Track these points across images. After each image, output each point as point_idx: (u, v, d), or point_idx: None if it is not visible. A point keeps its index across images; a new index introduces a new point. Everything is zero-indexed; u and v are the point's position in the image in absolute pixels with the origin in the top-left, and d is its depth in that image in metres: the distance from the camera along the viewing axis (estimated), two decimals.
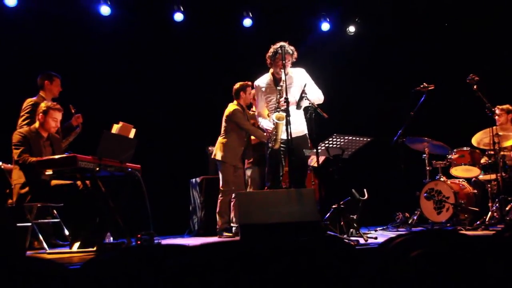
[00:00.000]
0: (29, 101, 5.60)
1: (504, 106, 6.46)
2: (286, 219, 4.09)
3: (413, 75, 7.64)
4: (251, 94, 6.16)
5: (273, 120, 4.81)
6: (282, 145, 4.90)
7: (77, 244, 4.70)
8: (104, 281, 1.77)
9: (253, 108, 6.24)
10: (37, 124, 5.06)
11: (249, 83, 6.25)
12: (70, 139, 5.91)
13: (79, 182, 4.88)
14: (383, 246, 2.13)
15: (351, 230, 5.26)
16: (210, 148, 7.21)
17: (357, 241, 4.64)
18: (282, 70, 4.78)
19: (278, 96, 4.81)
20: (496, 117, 6.33)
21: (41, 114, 5.05)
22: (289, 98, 4.66)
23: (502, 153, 5.92)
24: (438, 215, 6.25)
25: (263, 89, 5.07)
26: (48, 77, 5.89)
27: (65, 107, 5.89)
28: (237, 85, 6.32)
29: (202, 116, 7.99)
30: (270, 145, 4.92)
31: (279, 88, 4.83)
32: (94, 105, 6.90)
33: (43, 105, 5.10)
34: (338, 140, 4.80)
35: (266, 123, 5.03)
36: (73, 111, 5.89)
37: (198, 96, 8.04)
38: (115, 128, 5.22)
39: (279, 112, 4.77)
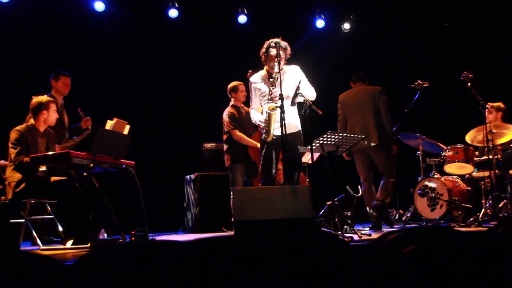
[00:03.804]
0: None
1: (495, 104, 6.47)
2: (281, 215, 4.10)
3: (407, 72, 7.67)
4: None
5: (266, 112, 4.79)
6: (275, 139, 4.87)
7: (71, 241, 4.69)
8: (98, 277, 1.77)
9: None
10: (32, 121, 5.02)
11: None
12: (77, 140, 5.82)
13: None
14: (376, 243, 2.14)
15: (345, 226, 5.28)
16: (205, 144, 7.21)
17: (351, 237, 4.65)
18: (276, 64, 4.78)
19: (271, 87, 4.81)
20: (486, 114, 6.32)
21: (43, 110, 5.00)
22: (282, 93, 4.66)
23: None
24: (432, 212, 6.27)
25: (257, 84, 5.07)
26: (54, 76, 5.90)
27: (73, 110, 5.89)
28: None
29: (196, 113, 7.98)
30: (262, 137, 4.90)
31: (271, 80, 4.84)
32: (88, 101, 6.87)
33: (41, 100, 5.03)
34: (333, 137, 4.81)
35: (257, 116, 5.01)
36: (81, 114, 5.86)
37: (193, 92, 8.03)
38: (109, 124, 5.21)
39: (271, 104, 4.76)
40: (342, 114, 6.23)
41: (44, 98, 5.06)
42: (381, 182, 6.03)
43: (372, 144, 5.81)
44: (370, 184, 6.13)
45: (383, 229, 6.06)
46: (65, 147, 5.57)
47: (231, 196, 6.14)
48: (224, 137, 6.16)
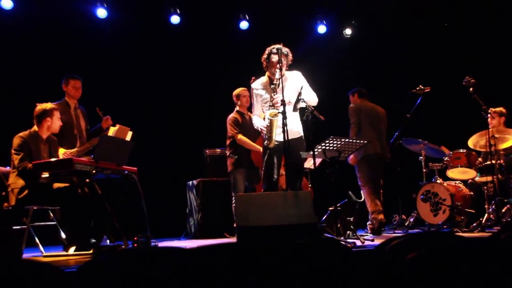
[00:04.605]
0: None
1: (497, 109, 6.47)
2: (283, 221, 4.10)
3: (409, 77, 7.67)
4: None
5: (268, 118, 4.79)
6: (277, 144, 4.87)
7: (73, 247, 4.69)
8: (101, 284, 1.76)
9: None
10: (36, 127, 5.03)
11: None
12: (93, 142, 5.71)
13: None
14: (379, 248, 2.13)
15: (348, 232, 5.27)
16: (207, 150, 7.21)
17: (354, 243, 4.64)
18: (278, 70, 4.78)
19: (273, 93, 4.81)
20: (489, 119, 6.34)
21: (47, 118, 5.01)
22: (284, 99, 4.66)
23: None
24: (435, 217, 6.26)
25: (258, 91, 5.07)
26: (64, 81, 5.90)
27: (92, 111, 5.91)
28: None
29: (199, 118, 7.99)
30: (265, 143, 4.90)
31: (272, 86, 4.84)
32: (91, 108, 6.90)
33: (45, 108, 5.03)
34: (335, 142, 4.81)
35: (259, 122, 5.02)
36: (100, 114, 5.84)
37: (195, 98, 8.04)
38: (112, 131, 5.21)
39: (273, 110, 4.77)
40: (357, 122, 6.38)
41: (48, 105, 5.07)
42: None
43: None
44: (373, 188, 6.21)
45: (385, 234, 6.07)
46: (80, 151, 5.52)
47: (233, 201, 6.15)
48: (228, 142, 6.16)
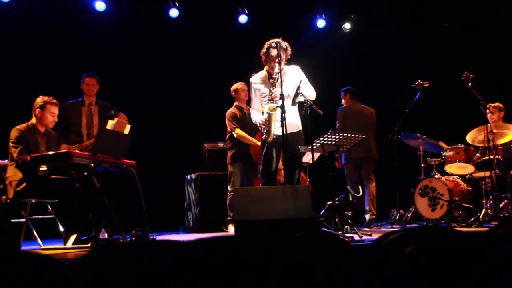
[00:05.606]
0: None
1: (496, 104, 6.49)
2: (281, 215, 4.10)
3: (408, 72, 7.66)
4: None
5: (266, 112, 4.78)
6: (275, 138, 4.87)
7: (72, 239, 4.69)
8: (98, 277, 1.77)
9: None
10: (34, 120, 5.02)
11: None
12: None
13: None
14: (377, 243, 2.14)
15: (346, 226, 5.28)
16: (205, 144, 7.21)
17: (352, 237, 4.65)
18: (277, 65, 4.77)
19: (271, 88, 4.80)
20: (489, 114, 6.36)
21: (38, 109, 5.01)
22: (283, 93, 4.65)
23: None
24: (433, 212, 6.27)
25: (257, 85, 5.06)
26: (81, 79, 5.90)
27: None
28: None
29: (197, 112, 7.98)
30: (263, 137, 4.89)
31: (271, 80, 4.83)
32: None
33: (39, 100, 5.05)
34: (333, 137, 4.81)
35: (258, 116, 5.01)
36: (115, 111, 5.81)
37: (194, 92, 8.03)
38: (110, 124, 5.20)
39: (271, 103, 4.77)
40: (341, 127, 6.68)
41: (43, 98, 5.07)
42: (367, 193, 6.81)
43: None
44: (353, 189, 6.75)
45: (383, 228, 6.09)
46: (83, 148, 5.48)
47: (228, 193, 6.19)
48: (227, 136, 6.31)
